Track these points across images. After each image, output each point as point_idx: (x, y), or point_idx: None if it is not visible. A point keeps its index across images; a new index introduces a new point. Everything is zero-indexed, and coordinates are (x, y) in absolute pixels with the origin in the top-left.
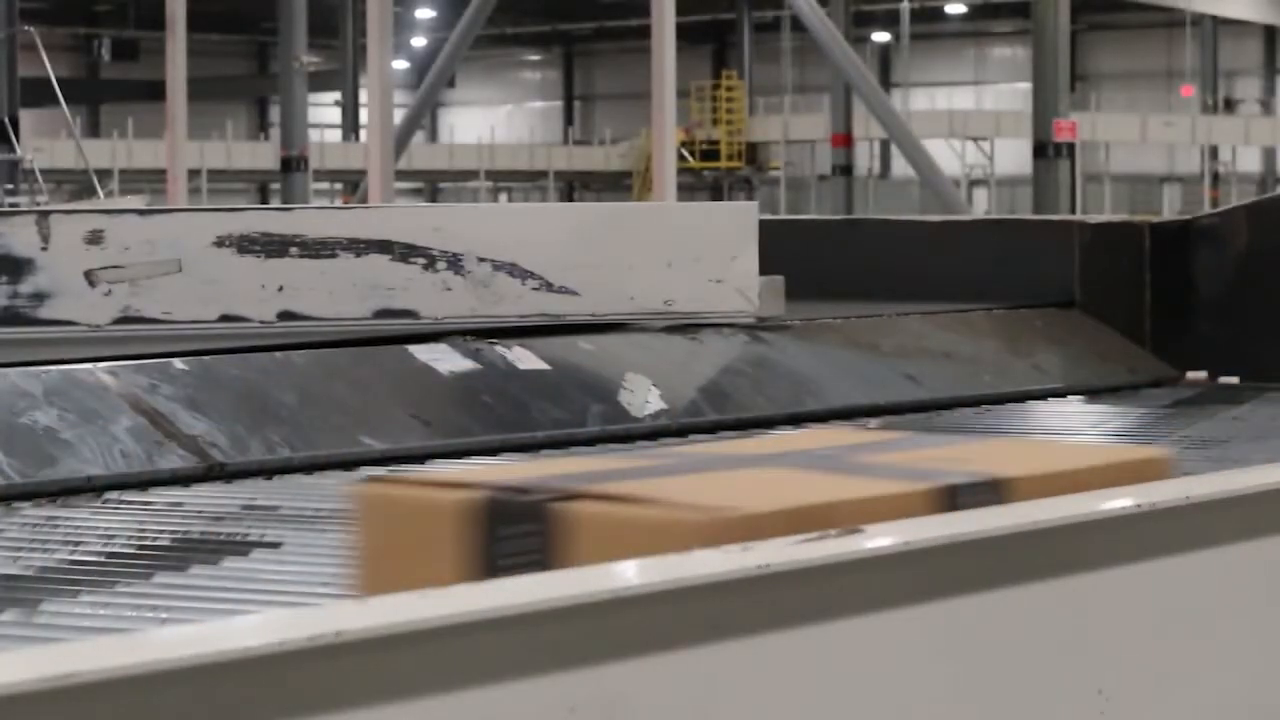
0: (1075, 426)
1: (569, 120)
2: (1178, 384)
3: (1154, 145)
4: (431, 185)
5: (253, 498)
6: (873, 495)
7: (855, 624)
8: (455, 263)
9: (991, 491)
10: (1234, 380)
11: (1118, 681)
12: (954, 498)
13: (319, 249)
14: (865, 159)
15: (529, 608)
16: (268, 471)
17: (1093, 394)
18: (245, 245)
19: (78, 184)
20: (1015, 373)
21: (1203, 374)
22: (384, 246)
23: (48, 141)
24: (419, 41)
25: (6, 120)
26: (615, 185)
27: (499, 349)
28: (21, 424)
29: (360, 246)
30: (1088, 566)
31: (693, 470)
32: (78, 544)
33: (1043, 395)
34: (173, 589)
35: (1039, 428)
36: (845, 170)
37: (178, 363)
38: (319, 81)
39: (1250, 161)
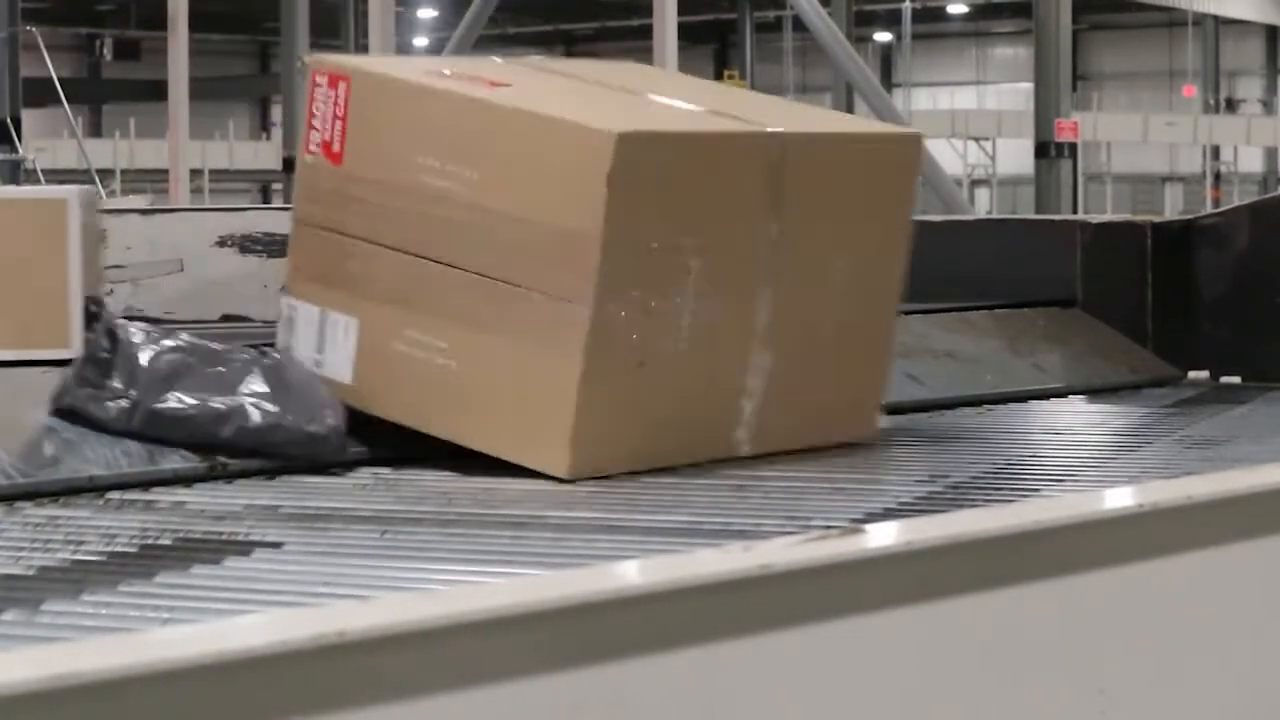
0: (1077, 426)
1: None
2: (1180, 383)
3: (1156, 145)
4: None
5: (254, 498)
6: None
7: (855, 624)
8: None
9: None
10: (1236, 380)
11: (1118, 681)
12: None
13: None
14: None
15: (531, 607)
16: (269, 472)
17: (1094, 393)
18: (247, 245)
19: (80, 184)
20: (1017, 372)
21: (1205, 373)
22: None
23: (50, 141)
24: (421, 41)
25: (8, 120)
26: None
27: None
28: (23, 423)
29: None
30: (1088, 566)
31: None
32: (80, 543)
33: (1044, 395)
34: (174, 589)
35: (1040, 426)
36: None
37: None
38: None
39: (1252, 161)
